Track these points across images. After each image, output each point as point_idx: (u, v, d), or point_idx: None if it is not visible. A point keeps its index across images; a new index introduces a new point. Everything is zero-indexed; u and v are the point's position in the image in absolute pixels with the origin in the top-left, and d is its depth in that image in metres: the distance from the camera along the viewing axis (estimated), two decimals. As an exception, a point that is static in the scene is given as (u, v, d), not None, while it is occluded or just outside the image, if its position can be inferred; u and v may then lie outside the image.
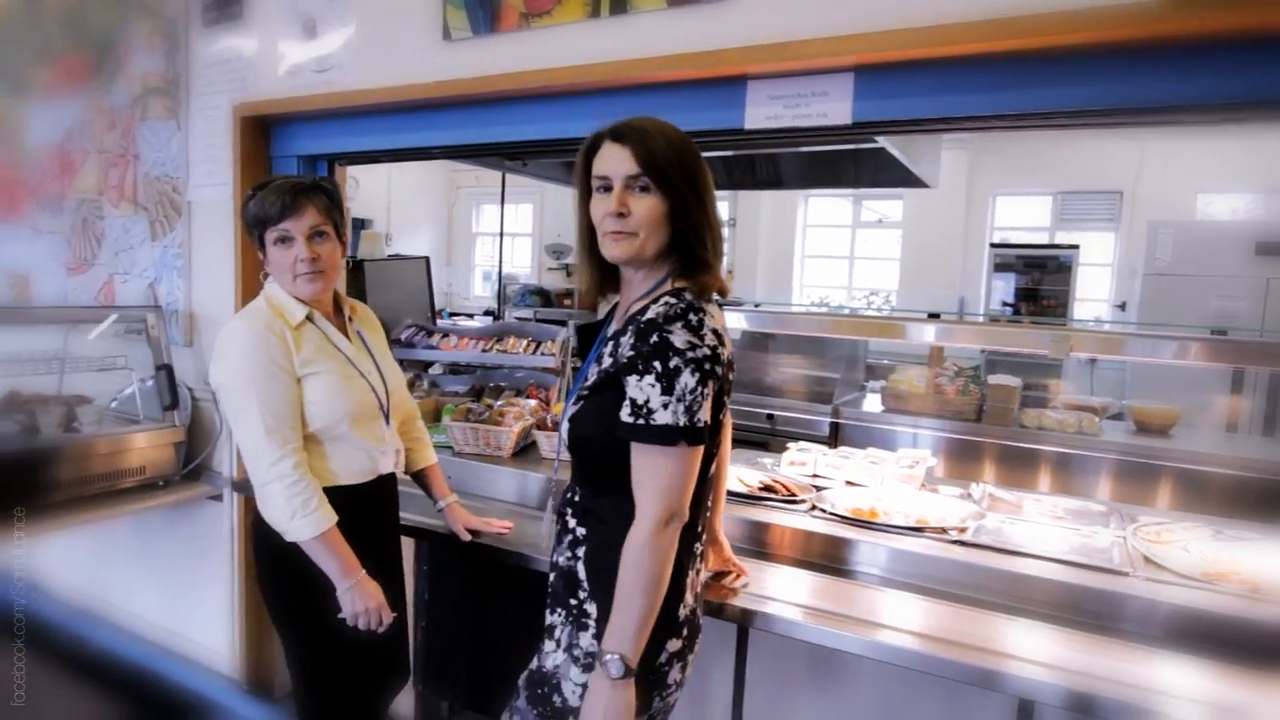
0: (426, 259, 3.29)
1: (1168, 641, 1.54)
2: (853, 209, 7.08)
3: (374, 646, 1.74)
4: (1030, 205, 6.42)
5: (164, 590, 2.80)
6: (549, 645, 1.41)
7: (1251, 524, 2.03)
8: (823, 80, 1.66)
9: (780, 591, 1.73)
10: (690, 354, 1.22)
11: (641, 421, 1.22)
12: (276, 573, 1.75)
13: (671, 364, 1.21)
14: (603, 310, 1.53)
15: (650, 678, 1.34)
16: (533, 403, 2.68)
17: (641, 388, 1.23)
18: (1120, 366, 5.69)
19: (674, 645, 1.36)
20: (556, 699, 1.36)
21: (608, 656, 1.24)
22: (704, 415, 1.24)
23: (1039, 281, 5.74)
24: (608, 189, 1.31)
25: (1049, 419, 3.50)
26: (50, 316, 2.67)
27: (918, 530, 1.92)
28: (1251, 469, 3.14)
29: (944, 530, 1.92)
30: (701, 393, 1.23)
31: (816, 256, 7.26)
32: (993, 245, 5.84)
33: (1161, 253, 5.08)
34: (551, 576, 1.48)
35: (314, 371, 1.69)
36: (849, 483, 2.29)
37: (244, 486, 2.52)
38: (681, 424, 1.22)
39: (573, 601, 1.37)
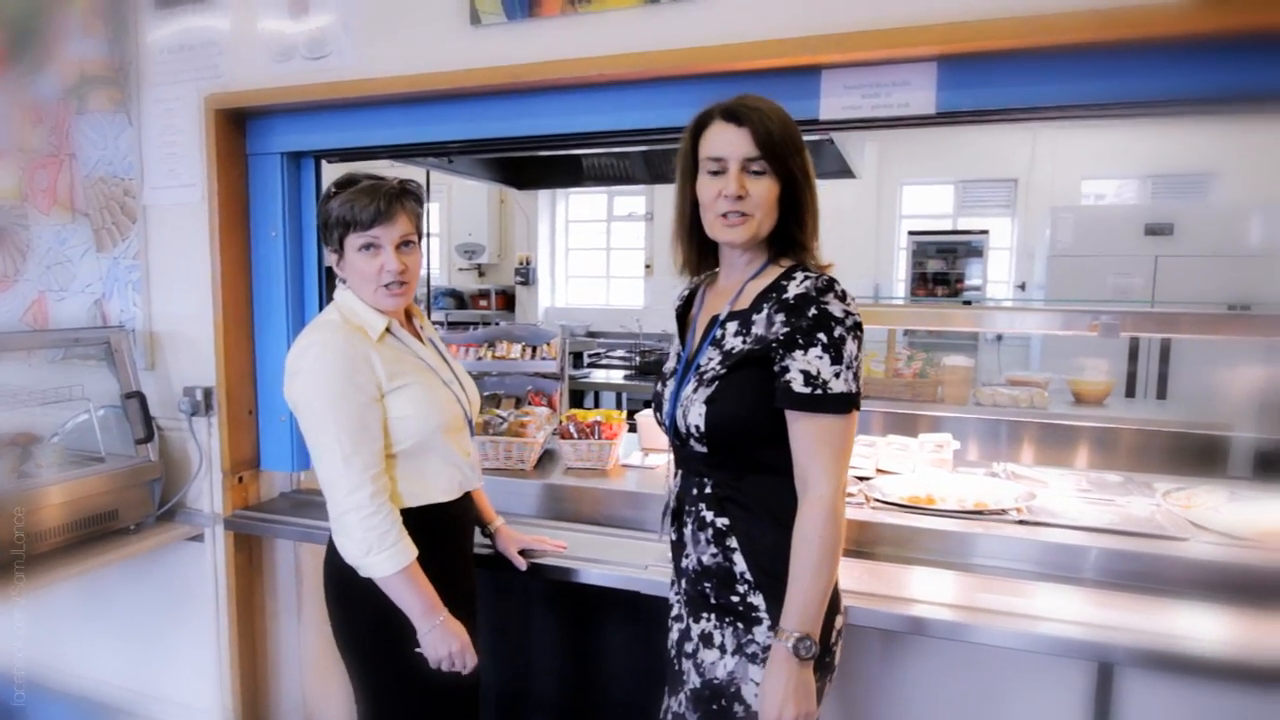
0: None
1: (1235, 598, 1.63)
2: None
3: (455, 689, 1.60)
4: (934, 193, 6.76)
5: (133, 648, 2.47)
6: (709, 655, 1.33)
7: (1250, 484, 2.21)
8: (904, 70, 1.65)
9: (894, 589, 1.71)
10: (848, 321, 1.25)
11: (819, 392, 1.23)
12: (352, 607, 1.59)
13: (835, 333, 1.23)
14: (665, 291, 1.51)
15: (826, 659, 1.31)
16: (545, 410, 2.55)
17: (809, 360, 1.23)
18: (1023, 342, 6.12)
19: (839, 622, 1.35)
20: (739, 709, 1.29)
21: (795, 638, 1.21)
22: (860, 381, 1.28)
23: (952, 265, 6.06)
24: (721, 171, 1.29)
25: (1002, 395, 3.69)
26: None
27: (979, 513, 1.97)
28: (1190, 427, 3.48)
29: (1004, 511, 1.98)
30: (859, 359, 1.26)
31: (734, 248, 7.38)
32: (911, 233, 6.11)
33: (1062, 235, 5.47)
34: (683, 584, 1.40)
35: (401, 385, 1.54)
36: (879, 470, 2.31)
37: (236, 522, 2.26)
38: (854, 390, 1.25)
39: (733, 598, 1.31)
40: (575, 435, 2.34)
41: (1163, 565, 1.73)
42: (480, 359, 2.75)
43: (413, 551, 1.50)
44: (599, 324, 7.01)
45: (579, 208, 7.61)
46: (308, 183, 2.27)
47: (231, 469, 2.28)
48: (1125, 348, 4.99)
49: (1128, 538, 1.82)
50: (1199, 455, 3.46)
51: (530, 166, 4.18)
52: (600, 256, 7.61)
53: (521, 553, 1.88)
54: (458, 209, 7.56)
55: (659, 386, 1.48)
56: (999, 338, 6.23)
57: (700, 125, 1.34)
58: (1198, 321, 2.30)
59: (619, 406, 5.22)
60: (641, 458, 2.46)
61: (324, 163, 2.28)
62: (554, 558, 1.91)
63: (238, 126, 2.24)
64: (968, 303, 5.93)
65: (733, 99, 1.32)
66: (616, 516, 2.17)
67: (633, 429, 2.64)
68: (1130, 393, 5.05)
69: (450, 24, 1.93)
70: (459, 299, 7.32)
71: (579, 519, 2.19)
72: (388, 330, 1.59)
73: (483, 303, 7.31)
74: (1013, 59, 1.57)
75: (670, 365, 1.48)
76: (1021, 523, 1.92)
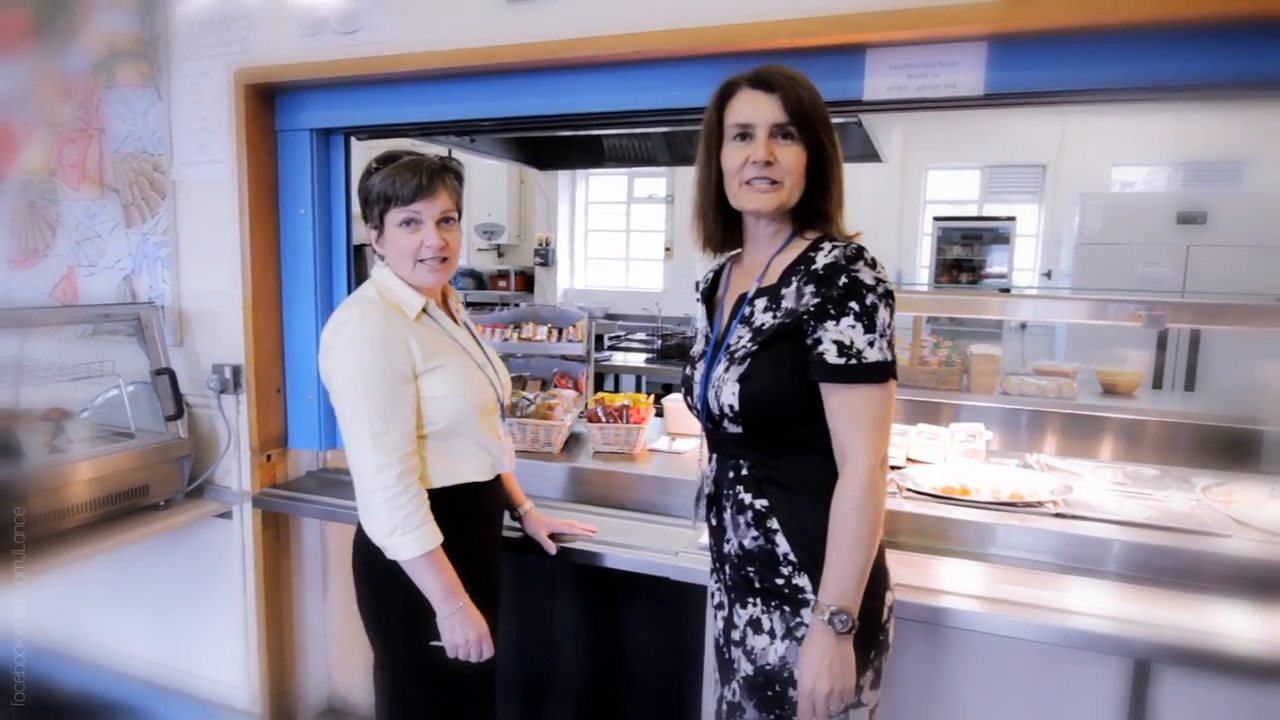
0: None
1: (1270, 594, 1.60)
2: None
3: (472, 674, 1.59)
4: (960, 179, 6.66)
5: (161, 623, 2.49)
6: (759, 641, 1.31)
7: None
8: (953, 49, 1.60)
9: (927, 580, 1.68)
10: (879, 289, 1.22)
11: (854, 362, 1.20)
12: (378, 587, 1.58)
13: (867, 301, 1.21)
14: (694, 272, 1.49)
15: (879, 637, 1.30)
16: (571, 393, 2.53)
17: (842, 330, 1.21)
18: (1048, 331, 6.04)
19: (889, 599, 1.33)
20: (794, 693, 1.27)
21: (832, 612, 1.20)
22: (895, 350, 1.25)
23: (976, 252, 5.98)
24: (747, 136, 1.27)
25: (1029, 385, 3.64)
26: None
27: (1014, 505, 1.93)
28: (1223, 420, 3.42)
29: (1040, 504, 1.94)
30: (893, 327, 1.23)
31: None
32: (936, 219, 6.03)
33: (1091, 223, 5.38)
34: (726, 569, 1.38)
35: (436, 366, 1.53)
36: (910, 459, 2.28)
37: (264, 500, 2.27)
38: (889, 358, 1.22)
39: (778, 581, 1.30)
40: (603, 419, 2.32)
41: (1205, 562, 1.69)
42: (506, 340, 2.73)
43: (438, 536, 1.49)
44: (618, 306, 6.98)
45: (599, 189, 7.56)
46: (337, 160, 2.25)
47: (260, 447, 2.27)
48: (1154, 339, 4.91)
49: (1168, 533, 1.78)
50: (1231, 449, 3.41)
51: (551, 147, 4.15)
52: (620, 238, 7.57)
53: (551, 536, 1.87)
54: (477, 189, 7.52)
55: (688, 370, 1.45)
56: (1023, 326, 6.15)
57: (725, 94, 1.31)
58: (1240, 313, 2.23)
59: (639, 389, 5.20)
60: (669, 443, 2.44)
61: (353, 141, 2.26)
62: (584, 542, 1.90)
63: (267, 102, 2.22)
64: (1006, 289, 5.84)
65: (759, 68, 1.29)
66: (644, 501, 2.15)
67: (658, 413, 2.62)
68: (1158, 384, 4.98)
69: (485, -1, 1.90)
70: (478, 279, 7.30)
71: (606, 503, 2.17)
72: (424, 310, 1.58)
73: (501, 283, 7.29)
74: (1066, 39, 1.52)
75: (699, 347, 1.45)
76: (1059, 515, 1.88)
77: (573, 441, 2.44)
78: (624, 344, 5.77)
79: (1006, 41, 1.57)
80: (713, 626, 1.47)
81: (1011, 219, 5.84)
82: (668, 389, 4.67)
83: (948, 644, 1.80)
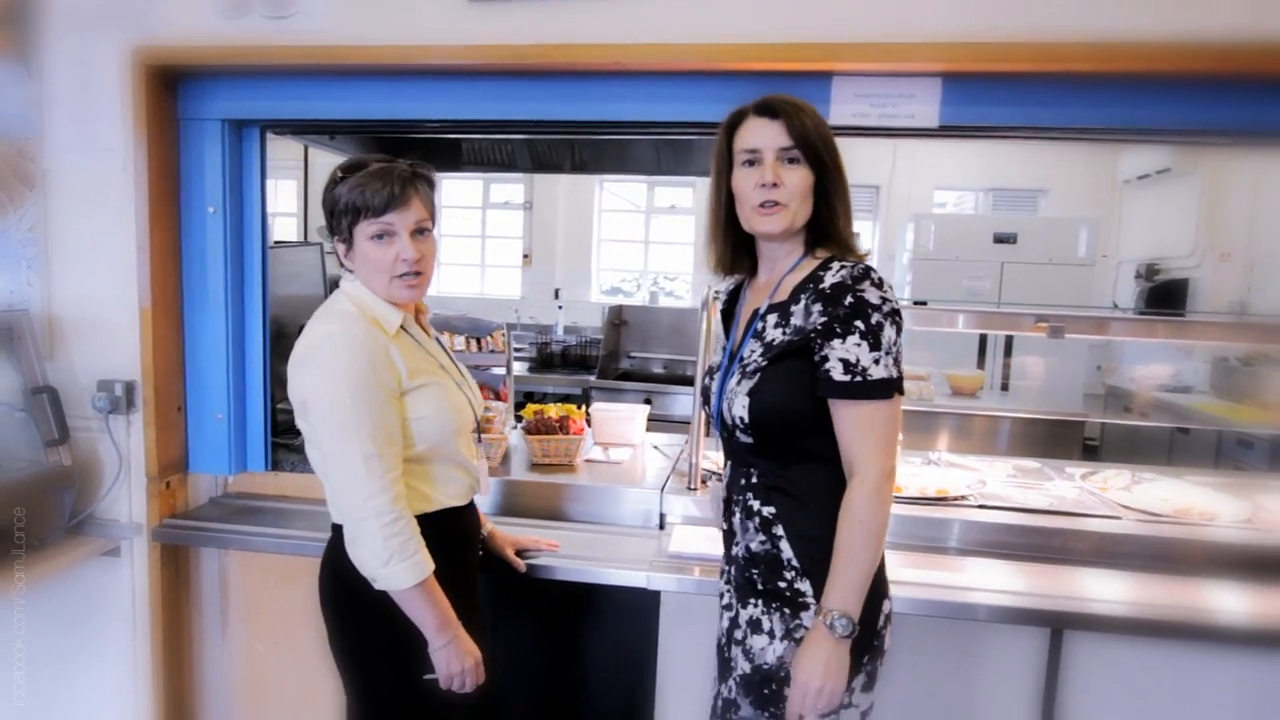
0: (320, 245, 2.80)
1: (1154, 565, 1.88)
2: (646, 194, 7.32)
3: (464, 706, 1.52)
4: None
5: (34, 684, 2.12)
6: (759, 641, 1.36)
7: (1145, 466, 2.53)
8: (910, 82, 1.74)
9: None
10: (885, 308, 1.28)
11: (859, 379, 1.26)
12: (362, 622, 1.48)
13: (873, 320, 1.26)
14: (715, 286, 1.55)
15: (874, 643, 1.37)
16: (503, 405, 2.46)
17: (848, 348, 1.27)
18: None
19: (887, 607, 1.40)
20: (789, 692, 1.32)
21: (833, 615, 1.26)
22: (902, 366, 1.32)
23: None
24: (755, 162, 1.34)
25: (896, 388, 3.98)
26: None
27: (940, 500, 2.12)
28: (1050, 414, 3.94)
29: (963, 497, 2.14)
30: (899, 344, 1.30)
31: (613, 240, 7.40)
32: (788, 232, 6.41)
33: (923, 240, 5.95)
34: (733, 570, 1.43)
35: (420, 384, 1.45)
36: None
37: (165, 533, 2.02)
38: (894, 375, 1.29)
39: (780, 584, 1.35)
40: (542, 431, 2.28)
41: (1106, 541, 1.95)
42: (423, 351, 2.60)
43: (431, 564, 1.41)
44: (474, 314, 6.80)
45: (452, 194, 7.34)
46: (251, 154, 2.05)
47: (159, 473, 2.01)
48: (975, 343, 5.52)
49: (1069, 517, 2.03)
50: (1054, 440, 3.95)
51: (410, 147, 3.95)
52: (475, 244, 7.39)
53: (517, 553, 1.82)
54: (319, 189, 7.05)
55: (706, 380, 1.52)
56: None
57: (734, 123, 1.39)
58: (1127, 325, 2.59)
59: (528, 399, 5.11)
60: (602, 452, 2.43)
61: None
62: (549, 557, 1.86)
63: (169, 87, 1.98)
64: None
65: (764, 97, 1.37)
66: (590, 512, 2.14)
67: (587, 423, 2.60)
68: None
69: (444, -5, 1.81)
70: (334, 284, 6.84)
71: (552, 516, 2.14)
72: (401, 326, 1.49)
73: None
74: (1013, 81, 1.70)
75: (716, 359, 1.51)
76: (981, 507, 2.09)
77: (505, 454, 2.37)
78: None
79: (959, 80, 1.73)
80: (716, 627, 1.50)
81: (855, 234, 6.32)
82: (564, 400, 4.61)
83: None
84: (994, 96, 1.73)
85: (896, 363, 1.29)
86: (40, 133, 1.97)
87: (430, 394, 1.46)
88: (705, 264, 1.50)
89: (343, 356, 1.37)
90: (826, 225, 1.37)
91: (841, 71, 1.75)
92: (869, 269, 1.32)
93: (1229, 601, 1.75)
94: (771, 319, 1.36)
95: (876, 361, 1.26)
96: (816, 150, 1.33)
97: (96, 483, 2.02)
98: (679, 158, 3.88)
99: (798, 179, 1.32)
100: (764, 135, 1.33)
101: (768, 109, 1.34)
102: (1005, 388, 5.68)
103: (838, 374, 1.26)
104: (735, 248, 1.45)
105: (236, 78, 1.96)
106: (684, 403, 4.43)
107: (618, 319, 5.04)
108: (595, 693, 2.15)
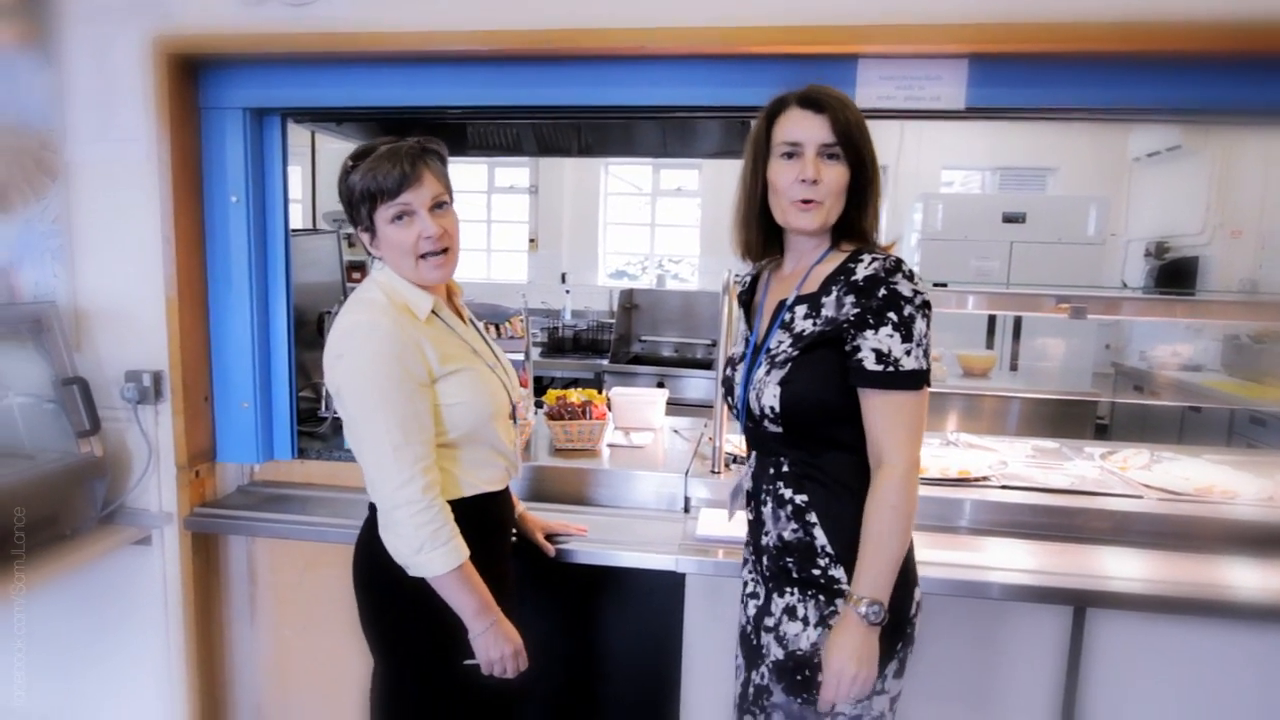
0: (337, 232, 2.80)
1: (1177, 544, 1.90)
2: (652, 177, 7.30)
3: (502, 693, 1.54)
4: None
5: (66, 671, 2.15)
6: (793, 628, 1.37)
7: (1159, 445, 2.54)
8: (936, 64, 1.73)
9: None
10: (917, 300, 1.29)
11: (891, 369, 1.27)
12: (400, 609, 1.49)
13: (905, 312, 1.27)
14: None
15: (906, 630, 1.38)
16: (525, 390, 2.46)
17: (880, 339, 1.27)
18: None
19: (918, 595, 1.42)
20: (821, 678, 1.33)
21: (864, 603, 1.28)
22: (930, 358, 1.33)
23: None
24: (795, 155, 1.33)
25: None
26: None
27: (962, 481, 2.13)
28: (1060, 394, 3.95)
29: (985, 479, 2.16)
30: (929, 336, 1.31)
31: (619, 224, 7.38)
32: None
33: (931, 220, 5.93)
34: (764, 560, 1.44)
35: (452, 370, 1.45)
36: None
37: (196, 521, 2.04)
38: (924, 367, 1.29)
39: (814, 572, 1.36)
40: (565, 416, 2.29)
41: (1129, 520, 1.96)
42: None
43: (465, 550, 1.42)
44: (481, 299, 6.80)
45: (458, 178, 7.31)
46: (272, 143, 2.05)
47: (188, 462, 2.03)
48: (984, 324, 5.51)
49: (1092, 497, 2.05)
50: (1065, 419, 3.96)
51: (415, 129, 3.89)
52: (481, 229, 7.38)
53: (547, 538, 1.84)
54: (325, 175, 7.03)
55: (728, 371, 1.51)
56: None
57: (775, 111, 1.37)
58: (1141, 304, 2.58)
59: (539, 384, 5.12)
60: (624, 437, 2.45)
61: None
62: (579, 542, 1.88)
63: (190, 76, 1.97)
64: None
65: (806, 88, 1.35)
66: (613, 496, 2.16)
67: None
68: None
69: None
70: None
71: (575, 500, 2.16)
72: (433, 311, 1.49)
73: (356, 275, 6.87)
74: (1038, 61, 1.70)
75: (738, 349, 1.50)
76: (1004, 487, 2.10)
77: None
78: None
79: (985, 61, 1.72)
80: (740, 614, 1.51)
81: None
82: (570, 385, 4.62)
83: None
84: (1020, 77, 1.72)
85: (926, 355, 1.30)
86: (62, 124, 1.97)
87: (463, 380, 1.47)
88: (731, 248, 1.49)
89: (369, 346, 1.38)
90: (855, 219, 1.37)
91: (868, 54, 1.74)
92: (900, 261, 1.32)
93: (1251, 579, 1.77)
94: (800, 310, 1.37)
95: (908, 353, 1.27)
96: (857, 147, 1.32)
97: (126, 472, 2.04)
98: (685, 140, 3.86)
99: (835, 175, 1.32)
100: (807, 129, 1.32)
101: (812, 102, 1.32)
102: (1014, 368, 5.69)
103: (870, 364, 1.27)
104: (765, 236, 1.45)
105: (257, 66, 1.95)
106: (696, 385, 4.44)
107: (629, 303, 5.03)
108: (621, 675, 2.18)
